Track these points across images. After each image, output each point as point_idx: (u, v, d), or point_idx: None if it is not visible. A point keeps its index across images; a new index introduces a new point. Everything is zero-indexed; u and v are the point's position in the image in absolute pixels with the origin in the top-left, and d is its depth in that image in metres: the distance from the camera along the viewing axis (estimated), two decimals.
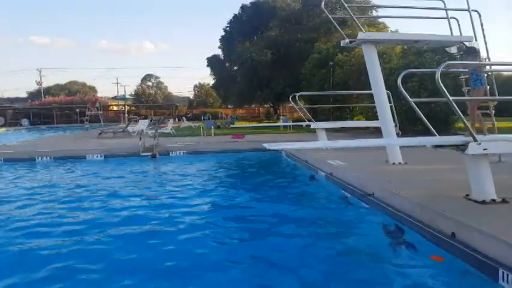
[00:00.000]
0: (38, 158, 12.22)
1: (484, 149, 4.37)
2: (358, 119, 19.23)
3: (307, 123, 12.25)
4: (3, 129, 36.98)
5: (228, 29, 36.81)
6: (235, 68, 34.83)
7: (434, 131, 4.79)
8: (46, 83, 64.34)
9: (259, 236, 5.13)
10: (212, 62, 38.45)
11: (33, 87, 65.77)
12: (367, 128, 15.94)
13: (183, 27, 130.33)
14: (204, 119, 33.90)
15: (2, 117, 44.90)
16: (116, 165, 11.25)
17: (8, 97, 65.65)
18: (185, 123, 30.32)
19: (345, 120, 18.34)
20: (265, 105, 41.07)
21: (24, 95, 67.69)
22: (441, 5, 7.59)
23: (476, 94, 6.16)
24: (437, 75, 3.99)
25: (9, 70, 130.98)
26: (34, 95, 62.51)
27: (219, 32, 46.96)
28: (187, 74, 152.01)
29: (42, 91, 60.73)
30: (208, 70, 39.37)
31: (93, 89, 69.44)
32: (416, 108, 4.54)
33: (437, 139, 4.83)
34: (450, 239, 4.00)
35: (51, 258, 4.32)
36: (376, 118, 8.76)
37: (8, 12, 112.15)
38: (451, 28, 7.65)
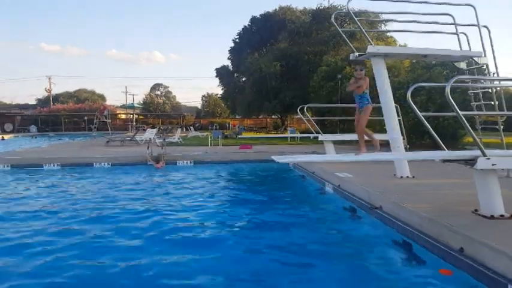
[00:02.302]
0: (45, 165, 12.34)
1: (493, 164, 4.37)
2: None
3: (314, 135, 12.26)
4: (12, 135, 37.46)
5: (237, 40, 37.21)
6: (243, 79, 35.09)
7: (443, 145, 4.79)
8: (55, 91, 65.33)
9: (262, 247, 5.11)
10: (221, 72, 38.80)
11: (43, 94, 66.78)
12: None
13: (192, 38, 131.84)
14: (211, 129, 34.04)
15: (11, 124, 45.46)
16: (122, 173, 11.32)
17: (17, 103, 66.58)
18: (193, 133, 30.46)
19: (352, 132, 18.31)
20: (273, 116, 41.15)
21: (33, 101, 68.74)
22: (450, 20, 7.64)
23: (367, 111, 6.37)
24: (447, 90, 4.02)
25: (19, 77, 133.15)
26: (43, 102, 63.31)
27: (229, 43, 47.46)
28: (195, 84, 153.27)
29: (51, 98, 61.48)
30: (217, 81, 39.76)
31: (101, 97, 70.26)
32: (425, 121, 4.55)
33: (446, 153, 4.83)
34: (458, 253, 3.97)
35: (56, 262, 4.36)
36: (384, 131, 8.76)
37: (19, 19, 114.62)
38: (460, 43, 7.69)
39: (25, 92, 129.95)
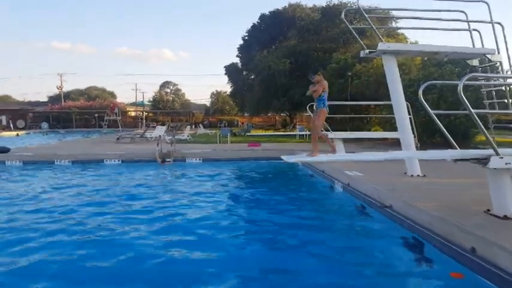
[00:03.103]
0: (56, 161, 12.50)
1: (507, 163, 4.30)
2: (375, 130, 19.05)
3: (324, 132, 12.19)
4: (24, 131, 38.08)
5: (246, 38, 37.18)
6: (252, 76, 35.06)
7: (455, 144, 4.73)
8: (66, 88, 65.93)
9: (271, 245, 5.11)
10: (230, 70, 38.84)
11: (54, 91, 67.47)
12: (385, 138, 15.78)
13: (202, 36, 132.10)
14: (220, 127, 34.10)
15: (23, 120, 46.12)
16: (132, 169, 11.41)
17: (29, 101, 67.45)
18: (201, 130, 30.55)
19: (362, 130, 18.20)
20: (282, 114, 41.10)
21: (45, 99, 69.61)
22: (463, 17, 7.52)
23: (320, 114, 6.38)
24: (460, 87, 3.96)
25: (31, 75, 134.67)
26: (54, 99, 64.03)
27: (238, 40, 47.48)
28: (204, 81, 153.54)
29: (62, 95, 62.12)
30: (225, 78, 39.82)
31: (112, 95, 70.79)
32: (437, 120, 4.49)
33: (458, 152, 4.76)
34: (470, 254, 3.92)
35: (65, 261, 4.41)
36: (395, 129, 8.68)
37: (30, 17, 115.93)
38: (472, 40, 7.56)
39: (37, 89, 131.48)
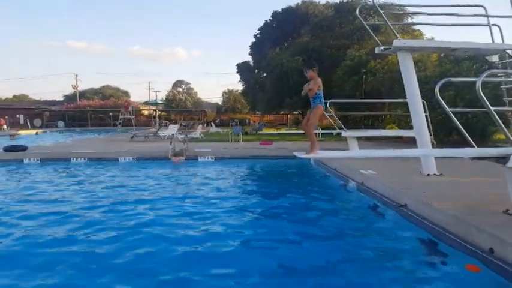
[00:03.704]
0: (73, 159, 12.70)
1: None
2: (390, 128, 18.80)
3: (337, 131, 12.07)
4: (41, 130, 38.91)
5: (258, 35, 37.09)
6: (264, 74, 34.98)
7: (472, 142, 4.61)
8: (81, 87, 66.93)
9: (285, 244, 5.07)
10: (242, 68, 38.83)
11: (69, 90, 68.53)
12: (400, 137, 15.56)
13: (214, 34, 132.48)
14: (232, 125, 34.11)
15: (39, 119, 47.02)
16: (147, 167, 11.51)
17: (45, 100, 68.68)
18: (213, 129, 30.64)
19: (376, 128, 17.97)
20: (294, 112, 40.93)
21: (60, 98, 70.74)
22: (482, 12, 7.32)
23: (317, 111, 6.19)
24: (478, 84, 3.85)
25: (47, 74, 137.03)
26: (70, 98, 65.05)
27: (250, 38, 47.40)
28: (216, 80, 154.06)
29: (77, 95, 63.04)
30: (237, 76, 39.83)
31: (126, 94, 71.57)
32: (454, 118, 4.38)
33: (476, 151, 4.64)
34: (488, 254, 3.82)
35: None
36: (410, 127, 8.54)
37: (46, 17, 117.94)
38: (492, 35, 7.36)
39: (53, 88, 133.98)
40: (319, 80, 5.99)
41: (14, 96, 78.67)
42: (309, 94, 6.05)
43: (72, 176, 10.11)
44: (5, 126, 38.66)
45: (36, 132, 35.57)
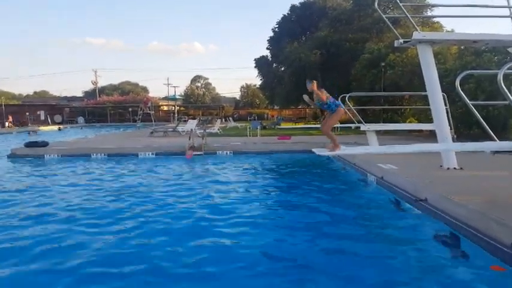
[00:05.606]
0: (93, 155, 13.00)
1: None
2: (410, 122, 18.55)
3: (356, 125, 12.01)
4: (62, 126, 39.89)
5: (276, 29, 36.95)
6: (282, 68, 34.87)
7: (493, 135, 4.56)
8: (101, 83, 68.09)
9: (303, 238, 5.12)
10: (260, 63, 38.78)
11: (89, 86, 69.84)
12: (421, 130, 15.35)
13: (232, 28, 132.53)
14: (250, 120, 34.20)
15: (60, 115, 48.10)
16: (167, 162, 11.72)
17: (65, 96, 70.19)
18: (232, 124, 30.80)
19: (396, 122, 17.76)
20: (312, 107, 40.70)
21: (80, 94, 72.17)
22: (504, 3, 7.16)
23: (336, 114, 6.42)
24: (500, 76, 3.81)
25: (68, 70, 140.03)
26: (89, 94, 66.30)
27: (268, 33, 47.27)
28: (234, 75, 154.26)
29: (97, 91, 64.17)
30: (255, 71, 39.81)
31: (144, 89, 72.49)
32: (475, 111, 4.35)
33: (497, 144, 4.59)
34: (510, 249, 3.79)
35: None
36: (430, 121, 8.44)
37: (65, 14, 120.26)
38: None
39: (73, 84, 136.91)
40: (324, 91, 6.32)
41: (35, 92, 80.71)
42: (319, 102, 6.39)
43: (93, 171, 10.39)
44: (9, 124, 38.64)
45: (59, 128, 36.51)
